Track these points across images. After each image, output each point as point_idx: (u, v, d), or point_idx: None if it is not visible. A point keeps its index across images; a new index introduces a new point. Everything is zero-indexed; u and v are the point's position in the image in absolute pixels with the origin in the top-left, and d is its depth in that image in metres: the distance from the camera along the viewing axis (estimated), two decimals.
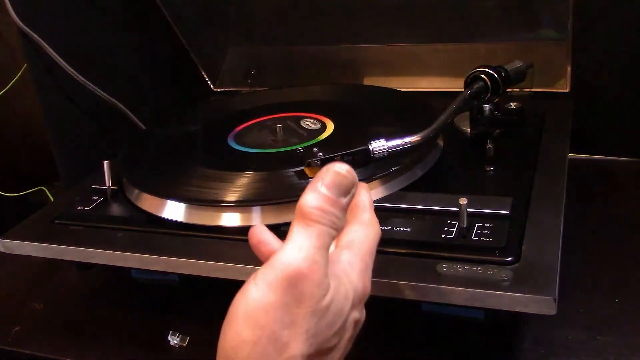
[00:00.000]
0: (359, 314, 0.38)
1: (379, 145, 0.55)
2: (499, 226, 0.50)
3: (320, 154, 0.57)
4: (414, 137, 0.56)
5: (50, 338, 0.62)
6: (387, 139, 0.55)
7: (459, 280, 0.45)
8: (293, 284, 0.33)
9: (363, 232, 0.40)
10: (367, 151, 0.55)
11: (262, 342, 0.33)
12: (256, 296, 0.34)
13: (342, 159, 0.56)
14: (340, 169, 0.37)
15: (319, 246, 0.35)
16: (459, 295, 0.45)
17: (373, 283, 0.47)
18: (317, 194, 0.36)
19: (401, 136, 0.55)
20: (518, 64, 0.68)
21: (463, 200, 0.50)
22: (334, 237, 0.36)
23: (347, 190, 0.37)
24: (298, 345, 0.33)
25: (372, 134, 0.57)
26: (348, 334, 0.37)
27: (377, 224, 0.41)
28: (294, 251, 0.34)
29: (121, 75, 0.86)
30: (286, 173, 0.59)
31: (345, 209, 0.37)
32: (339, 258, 0.38)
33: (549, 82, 0.79)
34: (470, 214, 0.50)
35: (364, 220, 0.40)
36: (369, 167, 0.56)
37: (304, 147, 0.65)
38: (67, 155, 0.77)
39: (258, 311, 0.33)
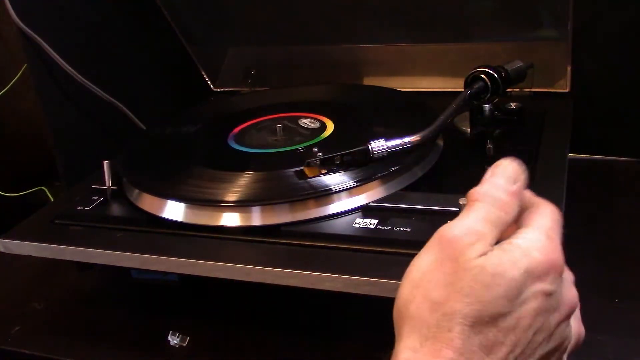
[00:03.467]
0: (546, 286, 0.33)
1: (378, 145, 0.55)
2: None
3: (319, 154, 0.58)
4: (413, 137, 0.56)
5: (50, 338, 0.62)
6: (387, 139, 0.55)
7: None
8: (446, 245, 0.34)
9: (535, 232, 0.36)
10: (367, 151, 0.55)
11: (417, 300, 0.33)
12: (415, 258, 0.35)
13: (342, 158, 0.56)
14: (504, 162, 0.38)
15: (477, 217, 0.35)
16: None
17: (373, 283, 0.47)
18: (482, 183, 0.37)
19: (401, 136, 0.56)
20: (518, 63, 0.68)
21: (463, 201, 0.50)
22: (501, 219, 0.35)
23: (511, 178, 0.37)
24: (455, 303, 0.32)
25: (372, 134, 0.57)
26: (531, 305, 0.33)
27: (554, 247, 0.35)
28: (454, 221, 0.35)
29: (121, 75, 0.86)
30: (286, 173, 0.59)
31: (512, 194, 0.36)
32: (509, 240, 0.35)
33: (549, 82, 0.79)
34: None
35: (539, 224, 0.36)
36: (369, 167, 0.56)
37: (304, 147, 0.65)
38: (67, 155, 0.77)
39: (413, 271, 0.35)
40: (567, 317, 0.35)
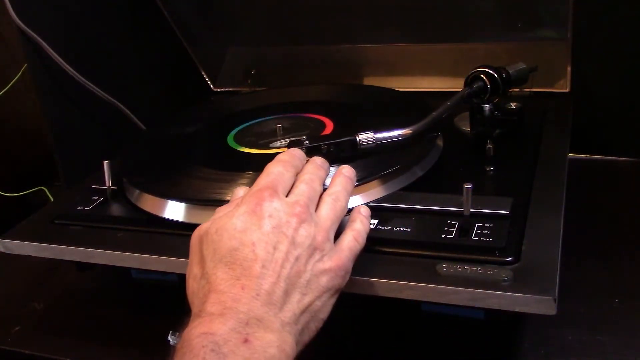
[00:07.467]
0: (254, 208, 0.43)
1: (366, 137, 0.54)
2: (499, 226, 0.50)
3: (306, 142, 0.57)
4: (403, 130, 0.56)
5: (50, 338, 0.62)
6: (375, 131, 0.55)
7: (459, 280, 0.45)
8: None
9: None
10: (354, 142, 0.54)
11: None
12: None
13: (329, 148, 0.56)
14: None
15: None
16: (459, 295, 0.45)
17: (372, 283, 0.47)
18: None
19: (391, 129, 0.55)
20: (521, 66, 0.68)
21: (468, 185, 0.50)
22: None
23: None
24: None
25: None
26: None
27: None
28: None
29: (121, 75, 0.86)
30: None
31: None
32: None
33: (549, 82, 0.79)
34: (470, 214, 0.50)
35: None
36: (369, 167, 0.56)
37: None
38: (67, 155, 0.77)
39: None
40: (299, 223, 0.42)
